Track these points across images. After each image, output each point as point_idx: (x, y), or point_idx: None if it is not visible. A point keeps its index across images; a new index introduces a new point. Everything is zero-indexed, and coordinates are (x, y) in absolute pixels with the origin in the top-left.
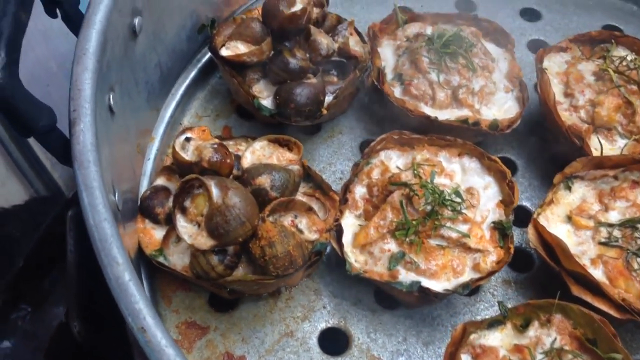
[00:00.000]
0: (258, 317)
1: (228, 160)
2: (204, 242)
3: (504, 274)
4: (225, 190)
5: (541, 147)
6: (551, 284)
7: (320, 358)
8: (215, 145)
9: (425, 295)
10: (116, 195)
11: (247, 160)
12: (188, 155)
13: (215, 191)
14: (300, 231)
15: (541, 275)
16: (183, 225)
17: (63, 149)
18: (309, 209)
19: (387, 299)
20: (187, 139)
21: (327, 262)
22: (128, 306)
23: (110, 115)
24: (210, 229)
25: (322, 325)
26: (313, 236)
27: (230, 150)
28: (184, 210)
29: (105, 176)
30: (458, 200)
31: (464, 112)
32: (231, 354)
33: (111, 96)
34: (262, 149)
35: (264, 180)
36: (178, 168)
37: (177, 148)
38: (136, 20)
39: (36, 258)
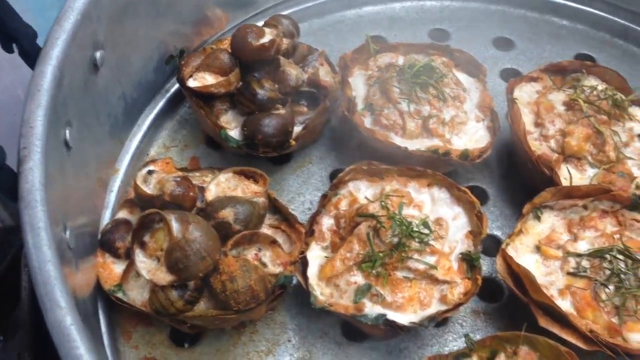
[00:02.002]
0: (220, 352)
1: (191, 194)
2: (163, 277)
3: (473, 305)
4: (186, 225)
5: (512, 177)
6: (521, 314)
7: None
8: (178, 179)
9: (392, 328)
10: (67, 233)
11: (212, 193)
12: (150, 189)
13: (175, 225)
14: (264, 264)
15: (511, 306)
16: (142, 260)
17: (12, 186)
18: (273, 242)
19: (354, 332)
20: (150, 172)
21: (293, 294)
22: (69, 352)
23: (66, 151)
24: (170, 264)
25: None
26: (277, 269)
27: (196, 182)
28: (143, 245)
29: (55, 215)
30: (426, 231)
31: (435, 142)
32: None
33: (67, 131)
34: (227, 181)
35: (228, 214)
36: (140, 202)
37: (139, 181)
38: (97, 54)
39: (4, 287)
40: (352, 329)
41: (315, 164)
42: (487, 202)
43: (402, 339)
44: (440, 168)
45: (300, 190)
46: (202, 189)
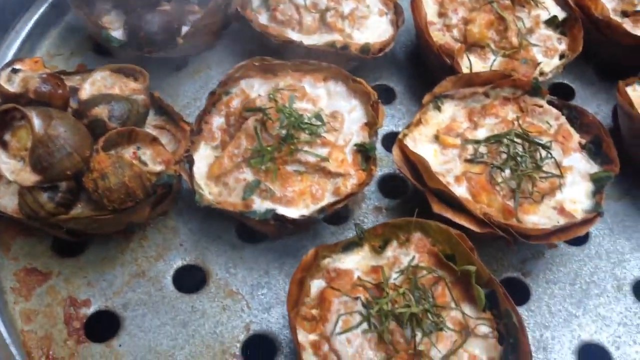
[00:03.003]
0: (107, 260)
1: (60, 91)
2: (28, 177)
3: (375, 202)
4: (49, 121)
5: (419, 74)
6: (422, 208)
7: (175, 296)
8: (44, 75)
9: (282, 224)
10: None
11: (86, 92)
12: (13, 87)
13: (37, 122)
14: (144, 163)
15: (413, 201)
16: (4, 161)
17: None
18: (154, 140)
19: (250, 234)
20: (15, 70)
21: (186, 199)
22: None
23: None
24: (34, 163)
25: (178, 264)
26: (158, 168)
27: (73, 84)
28: (5, 145)
29: None
30: (317, 123)
31: (334, 37)
32: (75, 298)
33: None
34: (103, 80)
35: (101, 111)
36: (4, 102)
37: (2, 80)
38: None
39: None
40: (247, 230)
41: (213, 68)
42: (394, 100)
43: (300, 238)
44: (342, 65)
45: (197, 95)
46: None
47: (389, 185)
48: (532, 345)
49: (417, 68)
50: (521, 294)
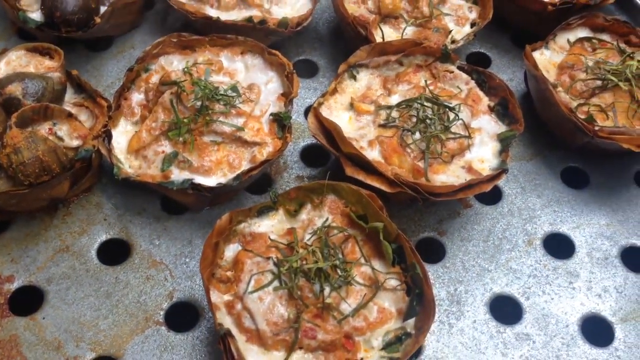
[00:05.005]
0: (30, 236)
1: None
2: None
3: (297, 171)
4: None
5: (341, 48)
6: (340, 174)
7: (98, 269)
8: None
9: (200, 193)
10: None
11: (1, 72)
12: None
13: None
14: (60, 139)
15: (334, 169)
16: None
17: None
18: (70, 116)
19: (174, 206)
20: None
21: (109, 175)
22: None
23: None
24: None
25: (102, 237)
26: (75, 143)
27: None
28: None
29: None
30: (232, 94)
31: (253, 13)
32: None
33: None
34: (19, 59)
35: (15, 89)
36: None
37: None
38: None
39: None
40: (171, 203)
41: (137, 48)
42: (317, 73)
43: (223, 209)
44: (263, 40)
45: (121, 75)
46: None
47: (311, 155)
48: (447, 299)
49: (339, 43)
50: (437, 253)
